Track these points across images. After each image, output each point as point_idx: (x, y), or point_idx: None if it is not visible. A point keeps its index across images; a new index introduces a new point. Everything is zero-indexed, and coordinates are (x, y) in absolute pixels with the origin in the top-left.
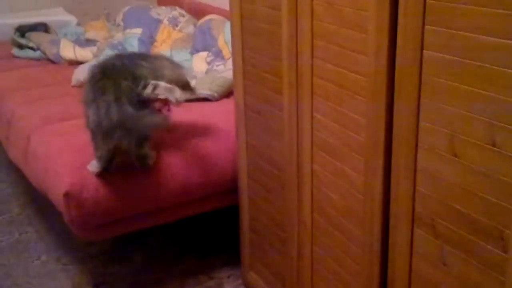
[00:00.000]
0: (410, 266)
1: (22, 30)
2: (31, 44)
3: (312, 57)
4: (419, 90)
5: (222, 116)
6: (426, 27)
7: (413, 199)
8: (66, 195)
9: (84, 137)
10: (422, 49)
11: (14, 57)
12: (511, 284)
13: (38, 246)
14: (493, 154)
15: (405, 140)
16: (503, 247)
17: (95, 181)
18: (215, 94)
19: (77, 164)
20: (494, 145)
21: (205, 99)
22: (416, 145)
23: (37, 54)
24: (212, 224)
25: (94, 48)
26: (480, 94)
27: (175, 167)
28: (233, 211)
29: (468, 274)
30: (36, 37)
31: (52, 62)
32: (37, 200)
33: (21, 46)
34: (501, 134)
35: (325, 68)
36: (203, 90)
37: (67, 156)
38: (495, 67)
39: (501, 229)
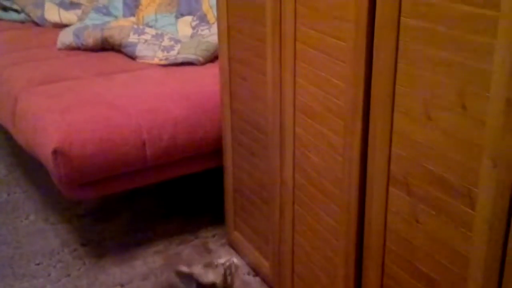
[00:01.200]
0: (385, 223)
1: None
2: (15, 7)
3: (295, 23)
4: (396, 56)
5: (207, 80)
6: None
7: (389, 160)
8: (55, 152)
9: (71, 98)
10: (399, 16)
11: None
12: (477, 239)
13: (26, 206)
14: (463, 117)
15: (383, 104)
16: (470, 204)
17: (83, 138)
18: (200, 59)
19: (66, 122)
20: (464, 109)
21: (190, 63)
22: (393, 108)
23: (22, 16)
24: (198, 185)
25: (79, 11)
26: (451, 60)
27: (161, 127)
28: (218, 173)
29: (438, 230)
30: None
31: (37, 24)
32: (24, 162)
33: (5, 9)
34: (470, 98)
35: (308, 34)
36: (188, 55)
37: (55, 115)
38: (465, 35)
39: (469, 187)
